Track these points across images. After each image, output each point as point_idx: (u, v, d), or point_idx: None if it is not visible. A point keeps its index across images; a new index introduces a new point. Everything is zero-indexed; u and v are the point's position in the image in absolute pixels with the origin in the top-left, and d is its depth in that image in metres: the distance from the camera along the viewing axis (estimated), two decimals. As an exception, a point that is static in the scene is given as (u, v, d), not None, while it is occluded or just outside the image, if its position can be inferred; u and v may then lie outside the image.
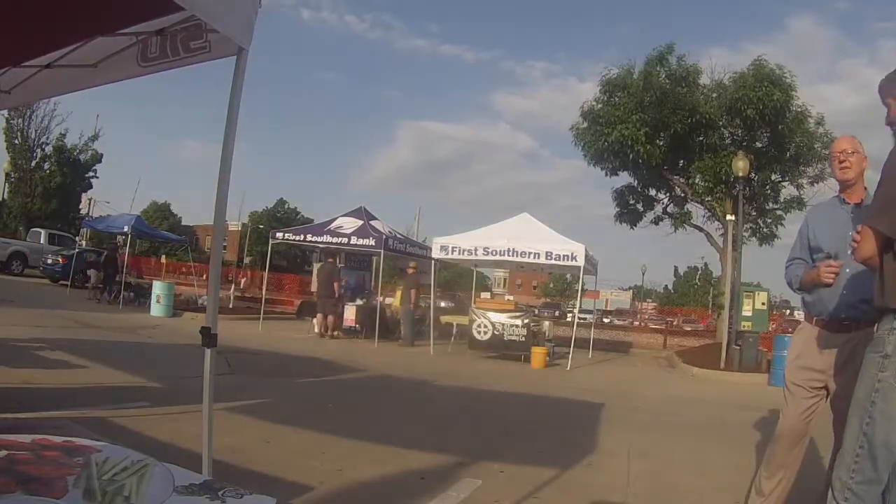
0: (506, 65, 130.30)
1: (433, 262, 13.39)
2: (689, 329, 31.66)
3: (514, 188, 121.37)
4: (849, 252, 2.80)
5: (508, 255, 12.09)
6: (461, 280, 38.01)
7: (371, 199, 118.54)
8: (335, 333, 13.26)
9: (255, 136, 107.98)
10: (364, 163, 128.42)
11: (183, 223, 57.55)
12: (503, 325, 12.04)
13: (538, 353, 11.45)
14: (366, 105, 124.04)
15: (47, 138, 29.06)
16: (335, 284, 13.59)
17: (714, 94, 16.77)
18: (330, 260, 14.00)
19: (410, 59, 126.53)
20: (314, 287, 18.41)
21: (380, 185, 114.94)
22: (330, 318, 13.34)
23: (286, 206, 61.58)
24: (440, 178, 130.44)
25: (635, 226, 19.80)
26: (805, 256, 3.15)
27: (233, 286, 23.01)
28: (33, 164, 28.89)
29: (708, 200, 17.33)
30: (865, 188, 3.09)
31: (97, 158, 31.25)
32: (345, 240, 13.54)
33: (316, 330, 13.93)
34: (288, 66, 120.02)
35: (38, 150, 29.12)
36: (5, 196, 28.24)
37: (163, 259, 37.33)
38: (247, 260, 51.36)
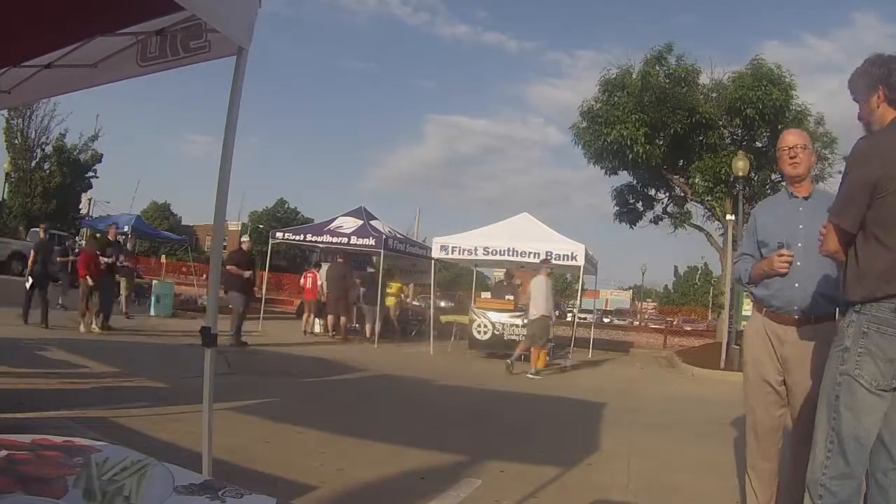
0: (551, 55, 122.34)
1: (433, 262, 13.38)
2: (689, 329, 31.67)
3: (537, 186, 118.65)
4: (799, 244, 2.82)
5: (508, 255, 12.08)
6: (461, 280, 38.01)
7: (381, 199, 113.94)
8: (336, 334, 13.23)
9: (266, 132, 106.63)
10: (382, 160, 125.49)
11: (183, 223, 57.56)
12: (503, 324, 12.05)
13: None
14: (393, 98, 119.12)
15: (47, 138, 29.07)
16: (350, 286, 13.53)
17: (713, 94, 16.77)
18: (340, 260, 13.96)
19: (450, 48, 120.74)
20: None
21: (393, 184, 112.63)
22: (337, 319, 13.28)
23: (286, 206, 61.54)
24: (460, 175, 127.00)
25: (635, 225, 19.82)
26: (753, 251, 3.13)
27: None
28: (33, 164, 28.87)
29: (708, 200, 17.34)
30: (812, 181, 3.13)
31: (97, 158, 31.27)
32: (345, 239, 13.53)
33: (318, 329, 13.92)
34: (316, 54, 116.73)
35: (38, 150, 29.11)
36: (5, 196, 28.23)
37: (163, 259, 37.33)
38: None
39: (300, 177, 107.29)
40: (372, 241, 13.26)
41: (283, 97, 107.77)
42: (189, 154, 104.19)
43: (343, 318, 13.31)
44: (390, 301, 15.12)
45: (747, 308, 12.95)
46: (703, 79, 17.12)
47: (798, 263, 2.79)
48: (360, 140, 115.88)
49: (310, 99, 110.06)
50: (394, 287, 15.29)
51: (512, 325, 12.05)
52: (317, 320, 14.23)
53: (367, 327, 13.40)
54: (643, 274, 57.81)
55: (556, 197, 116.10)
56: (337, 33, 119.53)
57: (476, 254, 12.35)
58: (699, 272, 63.85)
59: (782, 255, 2.78)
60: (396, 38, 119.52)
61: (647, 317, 48.35)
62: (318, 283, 13.99)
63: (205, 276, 24.24)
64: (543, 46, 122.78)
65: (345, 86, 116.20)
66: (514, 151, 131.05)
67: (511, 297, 13.07)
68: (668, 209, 19.64)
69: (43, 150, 29.26)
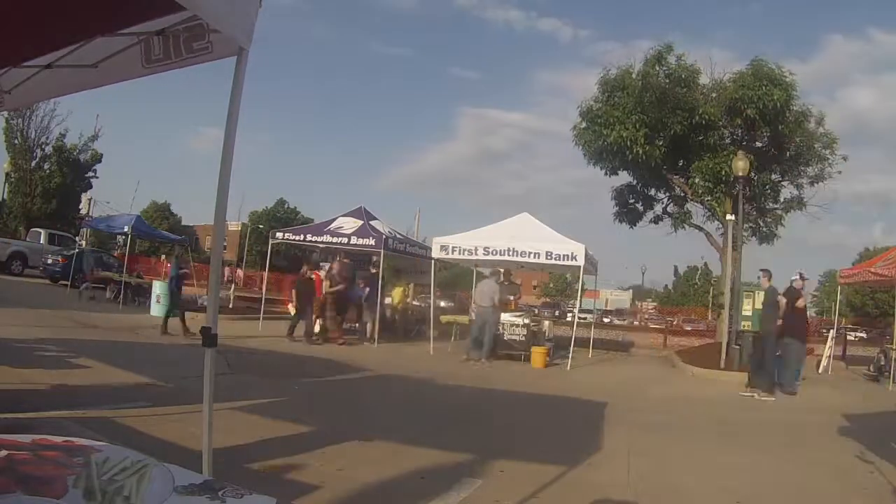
0: (604, 44, 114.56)
1: (433, 262, 13.37)
2: (689, 329, 31.67)
3: (564, 183, 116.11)
4: None
5: (508, 255, 12.06)
6: (461, 280, 38.01)
7: (396, 198, 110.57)
8: (337, 334, 13.17)
9: (279, 127, 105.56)
10: (402, 157, 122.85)
11: (183, 223, 57.59)
12: (503, 324, 12.04)
13: (538, 353, 11.44)
14: (427, 88, 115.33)
15: (47, 138, 29.04)
16: (359, 286, 13.44)
17: (713, 94, 16.75)
18: (346, 261, 13.91)
19: (497, 34, 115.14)
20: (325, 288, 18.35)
21: (408, 182, 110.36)
22: (341, 319, 13.24)
23: (286, 206, 61.62)
24: (485, 172, 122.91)
25: (635, 225, 19.77)
26: None
27: (233, 285, 23.00)
28: (33, 164, 28.86)
29: (708, 200, 17.31)
30: None
31: (97, 158, 31.25)
32: (345, 240, 13.51)
33: (318, 329, 13.86)
34: (344, 39, 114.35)
35: (38, 150, 29.08)
36: (5, 196, 28.23)
37: (163, 259, 37.31)
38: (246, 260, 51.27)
39: (310, 174, 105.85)
40: (372, 241, 13.24)
41: (301, 88, 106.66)
42: (193, 149, 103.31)
43: (339, 318, 13.26)
44: (397, 295, 15.11)
45: (747, 308, 12.97)
46: (703, 79, 17.10)
47: None
48: (379, 134, 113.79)
49: (336, 91, 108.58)
50: (399, 286, 15.37)
51: (512, 325, 12.05)
52: (317, 320, 14.20)
53: (368, 326, 13.38)
54: (643, 274, 57.81)
55: (584, 195, 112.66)
56: (371, 14, 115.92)
57: (476, 254, 12.34)
58: (699, 272, 63.88)
59: None
60: (439, 21, 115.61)
61: (647, 317, 48.36)
62: (322, 283, 13.96)
63: (204, 275, 24.20)
64: (598, 35, 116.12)
65: (373, 74, 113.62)
66: (546, 147, 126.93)
67: (511, 297, 13.06)
68: (668, 209, 19.61)
69: (43, 150, 29.26)
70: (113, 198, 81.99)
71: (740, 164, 13.38)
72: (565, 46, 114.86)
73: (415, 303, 17.72)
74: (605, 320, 34.44)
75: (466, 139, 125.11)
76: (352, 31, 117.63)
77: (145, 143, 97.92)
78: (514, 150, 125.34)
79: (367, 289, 13.77)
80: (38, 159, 29.14)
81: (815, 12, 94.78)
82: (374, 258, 14.07)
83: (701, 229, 18.57)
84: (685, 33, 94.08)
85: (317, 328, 13.95)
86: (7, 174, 28.02)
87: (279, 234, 14.80)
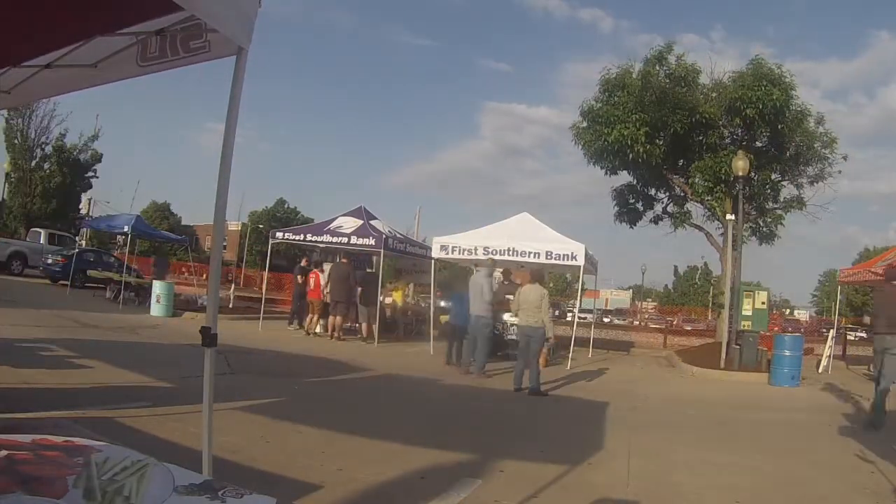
0: (645, 37, 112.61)
1: (433, 261, 13.36)
2: (689, 328, 31.67)
3: (584, 182, 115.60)
4: None
5: (508, 255, 12.06)
6: (461, 280, 38.00)
7: (398, 199, 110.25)
8: (336, 334, 13.19)
9: (280, 125, 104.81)
10: (410, 156, 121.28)
11: (183, 223, 57.63)
12: (503, 324, 12.03)
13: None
14: (451, 83, 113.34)
15: (47, 138, 29.05)
16: (352, 287, 13.42)
17: (713, 94, 16.76)
18: (344, 261, 13.87)
19: (533, 24, 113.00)
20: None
21: (414, 183, 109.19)
22: (338, 320, 13.24)
23: (286, 206, 61.67)
24: (503, 170, 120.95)
25: (634, 225, 19.77)
26: None
27: (233, 285, 23.01)
28: (33, 164, 28.86)
29: (708, 200, 17.32)
30: None
31: (97, 158, 31.26)
32: (344, 239, 13.51)
33: (319, 330, 13.88)
34: (373, 28, 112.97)
35: (38, 150, 29.09)
36: (5, 196, 28.22)
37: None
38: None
39: (310, 174, 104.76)
40: (372, 241, 13.24)
41: (303, 86, 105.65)
42: (193, 148, 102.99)
43: (340, 318, 13.26)
44: (397, 296, 15.10)
45: (747, 308, 12.97)
46: (703, 78, 17.11)
47: None
48: (380, 133, 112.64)
49: (337, 89, 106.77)
50: (399, 286, 15.38)
51: (512, 325, 12.03)
52: (318, 320, 14.21)
53: (364, 327, 13.37)
54: (643, 274, 57.64)
55: (598, 195, 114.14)
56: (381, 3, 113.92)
57: (476, 254, 12.33)
58: (699, 272, 63.89)
59: None
60: (461, 9, 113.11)
61: (647, 317, 48.38)
62: (321, 283, 13.96)
63: (204, 276, 24.25)
64: (639, 27, 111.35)
65: (374, 70, 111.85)
66: (570, 145, 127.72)
67: (511, 297, 13.02)
68: (668, 209, 19.61)
69: (43, 150, 29.26)
70: (113, 198, 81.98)
71: (740, 164, 13.38)
72: (604, 37, 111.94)
73: (415, 302, 17.73)
74: (605, 320, 34.46)
75: (485, 136, 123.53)
76: (357, 23, 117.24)
77: (145, 143, 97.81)
78: (535, 147, 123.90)
79: (360, 289, 13.74)
80: (38, 159, 29.15)
81: (862, 6, 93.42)
82: (374, 258, 14.04)
83: (701, 229, 18.58)
84: (727, 29, 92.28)
85: (318, 328, 13.97)
86: (7, 174, 28.01)
87: (279, 234, 14.80)
